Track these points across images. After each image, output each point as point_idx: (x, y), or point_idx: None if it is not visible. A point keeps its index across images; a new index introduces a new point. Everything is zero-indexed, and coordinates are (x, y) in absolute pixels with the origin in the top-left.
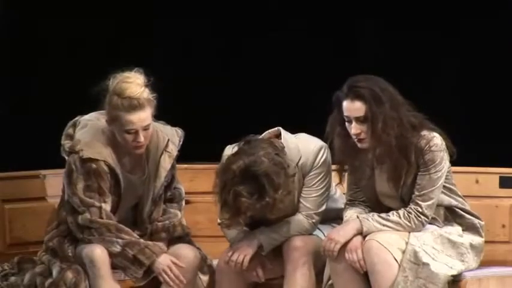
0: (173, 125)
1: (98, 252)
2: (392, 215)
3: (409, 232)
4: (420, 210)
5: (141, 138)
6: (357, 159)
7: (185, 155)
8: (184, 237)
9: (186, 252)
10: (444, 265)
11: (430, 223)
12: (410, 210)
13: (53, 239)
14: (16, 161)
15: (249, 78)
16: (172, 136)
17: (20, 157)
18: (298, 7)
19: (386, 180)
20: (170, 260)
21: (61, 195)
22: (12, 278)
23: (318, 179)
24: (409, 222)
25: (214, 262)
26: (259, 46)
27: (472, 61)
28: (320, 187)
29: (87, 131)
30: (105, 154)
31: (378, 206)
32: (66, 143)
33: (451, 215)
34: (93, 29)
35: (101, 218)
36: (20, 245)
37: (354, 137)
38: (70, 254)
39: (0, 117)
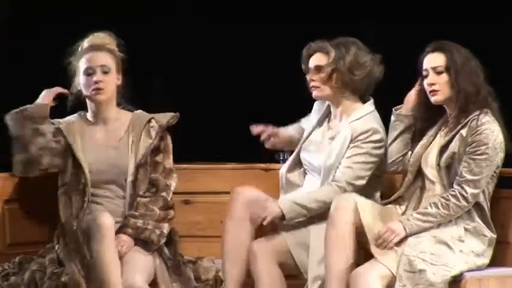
0: (173, 126)
1: (106, 220)
2: (430, 208)
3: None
4: (464, 194)
5: (99, 77)
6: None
7: (185, 155)
8: (149, 245)
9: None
10: (443, 267)
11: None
12: (449, 197)
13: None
14: None
15: (248, 77)
16: (159, 116)
17: None
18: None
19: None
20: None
21: None
22: (13, 278)
23: (356, 152)
24: (448, 210)
25: (216, 261)
26: (257, 45)
27: None
28: (356, 161)
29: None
30: (65, 124)
31: (415, 175)
32: None
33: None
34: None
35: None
36: (20, 245)
37: (428, 89)
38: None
39: (1, 117)
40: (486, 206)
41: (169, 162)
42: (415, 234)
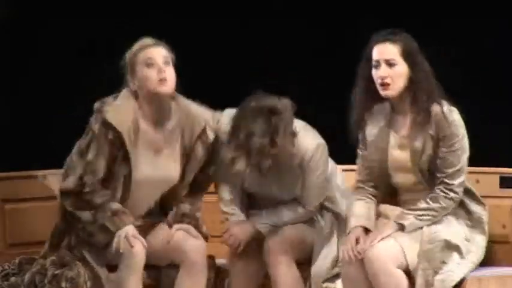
0: None
1: (139, 248)
2: (420, 204)
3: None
4: (451, 187)
5: (164, 72)
6: (374, 122)
7: None
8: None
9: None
10: (450, 273)
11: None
12: (436, 192)
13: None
14: (16, 161)
15: (249, 77)
16: (209, 121)
17: (20, 157)
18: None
19: (407, 137)
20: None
21: None
22: (13, 278)
23: (314, 175)
24: (439, 203)
25: (217, 261)
26: (259, 46)
27: (472, 61)
28: (318, 181)
29: (120, 97)
30: (125, 127)
31: (386, 185)
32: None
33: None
34: (93, 29)
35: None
36: (20, 245)
37: (378, 81)
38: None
39: (0, 117)
40: (470, 186)
41: None
42: (411, 229)
